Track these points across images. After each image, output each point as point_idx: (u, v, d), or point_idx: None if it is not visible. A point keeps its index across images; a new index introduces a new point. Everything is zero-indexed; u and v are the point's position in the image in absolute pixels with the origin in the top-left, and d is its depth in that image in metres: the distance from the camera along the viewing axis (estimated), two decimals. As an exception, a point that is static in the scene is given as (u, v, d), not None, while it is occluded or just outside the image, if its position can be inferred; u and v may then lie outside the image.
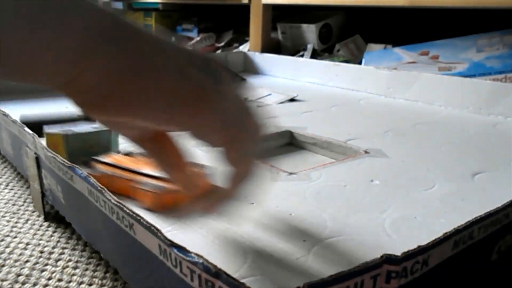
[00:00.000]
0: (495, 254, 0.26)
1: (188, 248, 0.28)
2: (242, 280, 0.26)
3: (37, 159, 0.41)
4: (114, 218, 0.26)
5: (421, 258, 0.20)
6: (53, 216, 0.46)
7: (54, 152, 0.36)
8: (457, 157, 0.50)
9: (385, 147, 0.53)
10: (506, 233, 0.26)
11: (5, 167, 0.60)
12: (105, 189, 0.27)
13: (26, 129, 0.42)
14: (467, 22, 1.01)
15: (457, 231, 0.21)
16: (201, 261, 0.19)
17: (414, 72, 0.83)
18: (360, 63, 1.03)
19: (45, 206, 0.46)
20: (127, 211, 0.24)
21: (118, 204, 0.25)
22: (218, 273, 0.18)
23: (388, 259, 0.19)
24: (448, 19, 1.07)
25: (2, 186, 0.54)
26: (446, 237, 0.21)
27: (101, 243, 0.33)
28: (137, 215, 0.23)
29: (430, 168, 0.46)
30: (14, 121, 0.47)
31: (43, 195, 0.43)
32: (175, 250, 0.20)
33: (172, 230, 0.32)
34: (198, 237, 0.31)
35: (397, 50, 1.03)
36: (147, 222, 0.23)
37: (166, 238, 0.21)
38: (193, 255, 0.20)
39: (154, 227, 0.22)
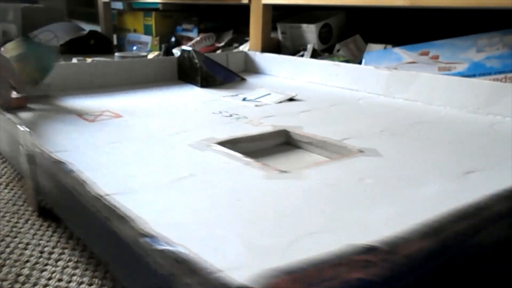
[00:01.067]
0: (476, 249, 0.26)
1: (174, 238, 0.28)
2: (223, 272, 0.26)
3: (29, 156, 0.41)
4: (94, 210, 0.26)
5: (396, 250, 0.20)
6: (53, 216, 0.46)
7: (41, 148, 0.36)
8: (451, 157, 0.50)
9: (380, 146, 0.53)
10: (487, 226, 0.26)
11: (5, 167, 0.60)
12: (86, 182, 0.27)
13: (19, 126, 0.43)
14: (467, 22, 1.01)
15: (432, 227, 0.21)
16: (169, 248, 0.19)
17: (413, 72, 0.83)
18: (360, 63, 1.03)
19: (40, 202, 0.46)
20: (104, 202, 0.24)
21: (96, 196, 0.25)
22: (184, 261, 0.18)
23: (368, 248, 0.19)
24: (448, 19, 1.07)
25: (2, 186, 0.54)
26: (420, 234, 0.21)
27: (87, 235, 0.33)
28: (113, 206, 0.24)
29: (423, 167, 0.46)
30: (9, 119, 0.48)
31: (36, 191, 0.44)
32: (148, 240, 0.21)
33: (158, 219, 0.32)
34: (184, 232, 0.31)
35: (397, 50, 1.03)
36: (122, 212, 0.23)
37: (139, 227, 0.21)
38: (163, 243, 0.20)
39: (128, 217, 0.22)
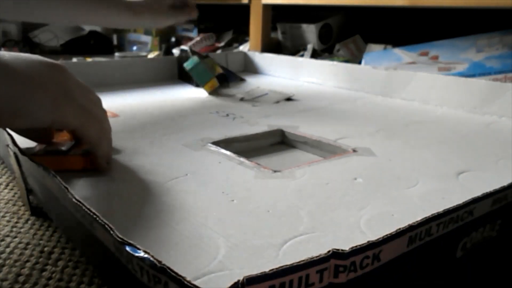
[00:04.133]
0: (460, 251, 0.26)
1: (163, 243, 0.28)
2: (210, 275, 0.26)
3: (17, 158, 0.41)
4: (78, 216, 0.27)
5: (371, 253, 0.20)
6: (46, 216, 0.46)
7: (23, 150, 0.36)
8: (445, 156, 0.50)
9: (374, 146, 0.53)
10: (471, 230, 0.26)
11: (5, 167, 0.60)
12: (68, 188, 0.27)
13: (7, 129, 0.42)
14: (467, 22, 1.01)
15: (411, 227, 0.21)
16: (147, 256, 0.19)
17: (410, 72, 0.83)
18: (360, 63, 1.03)
19: (31, 202, 0.46)
20: (85, 209, 0.24)
21: (78, 203, 0.25)
22: (162, 268, 0.18)
23: (335, 253, 0.19)
24: (448, 19, 1.07)
25: (2, 186, 0.54)
26: (399, 233, 0.21)
27: (75, 239, 0.33)
28: (94, 213, 0.24)
29: (416, 167, 0.46)
30: None
31: (28, 190, 0.44)
32: (127, 248, 0.21)
33: (145, 222, 0.32)
34: (173, 233, 0.32)
35: (397, 51, 1.03)
36: (102, 220, 0.23)
37: (118, 236, 0.22)
38: (141, 251, 0.20)
39: (108, 225, 0.22)
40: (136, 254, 0.20)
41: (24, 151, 0.38)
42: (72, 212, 0.28)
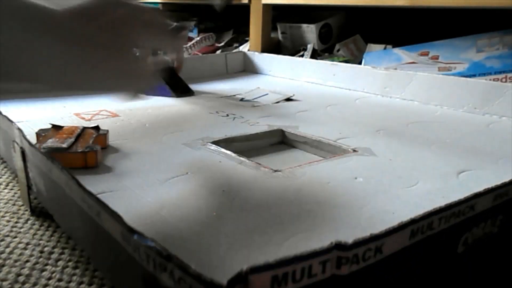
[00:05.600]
0: (461, 247, 0.26)
1: (164, 240, 0.29)
2: (213, 270, 0.26)
3: (23, 153, 0.41)
4: (85, 207, 0.27)
5: (373, 245, 0.20)
6: (45, 214, 0.46)
7: (35, 145, 0.37)
8: (445, 156, 0.50)
9: (374, 146, 0.53)
10: (472, 225, 0.26)
11: (5, 167, 0.60)
12: (77, 179, 0.27)
13: (14, 123, 0.43)
14: (467, 22, 1.01)
15: (413, 221, 0.21)
16: (154, 244, 0.20)
17: (410, 72, 0.83)
18: (360, 63, 1.03)
19: (32, 199, 0.46)
20: (94, 199, 0.25)
21: (87, 193, 0.25)
22: (169, 256, 0.18)
23: (337, 245, 0.19)
24: (448, 19, 1.07)
25: (2, 186, 0.54)
26: (401, 226, 0.21)
27: (77, 233, 0.34)
28: (103, 202, 0.24)
29: (416, 166, 0.46)
30: (3, 116, 0.48)
31: (29, 188, 0.44)
32: (135, 236, 0.21)
33: (148, 217, 0.32)
34: (174, 230, 0.32)
35: (397, 51, 1.03)
36: (110, 209, 0.23)
37: (126, 224, 0.22)
38: (149, 239, 0.20)
39: (117, 214, 0.23)
40: (144, 243, 0.20)
41: (34, 145, 0.38)
42: (79, 203, 0.28)
